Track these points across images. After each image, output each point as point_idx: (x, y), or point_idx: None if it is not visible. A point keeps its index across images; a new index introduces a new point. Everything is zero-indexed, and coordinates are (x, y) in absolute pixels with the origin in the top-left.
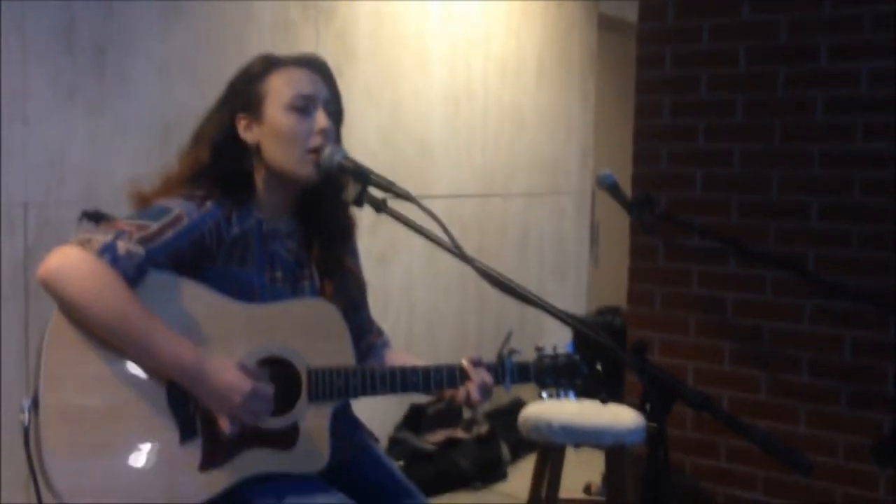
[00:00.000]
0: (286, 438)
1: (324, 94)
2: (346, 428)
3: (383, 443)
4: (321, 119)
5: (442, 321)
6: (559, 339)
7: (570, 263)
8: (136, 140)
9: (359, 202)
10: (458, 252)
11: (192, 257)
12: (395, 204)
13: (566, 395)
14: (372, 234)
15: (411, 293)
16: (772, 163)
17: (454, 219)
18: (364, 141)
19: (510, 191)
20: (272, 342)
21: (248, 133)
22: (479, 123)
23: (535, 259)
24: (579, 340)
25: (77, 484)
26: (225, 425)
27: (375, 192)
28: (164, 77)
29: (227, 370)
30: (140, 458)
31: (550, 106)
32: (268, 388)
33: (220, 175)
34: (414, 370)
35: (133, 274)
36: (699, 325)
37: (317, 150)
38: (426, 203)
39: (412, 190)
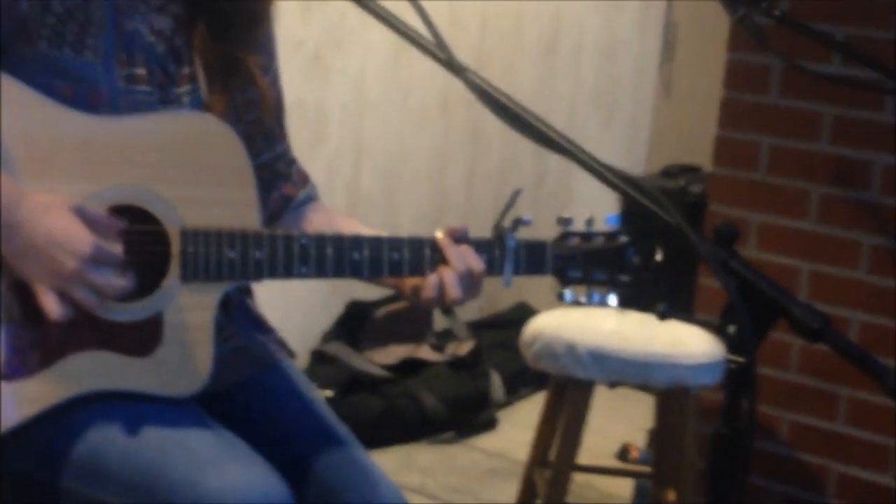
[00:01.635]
0: (144, 338)
1: None
2: (242, 330)
3: (301, 358)
4: None
5: (408, 169)
6: (597, 210)
7: (625, 90)
8: None
9: None
10: (442, 56)
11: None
12: None
13: (601, 299)
14: (302, 19)
15: (362, 120)
16: None
17: (442, 8)
18: None
19: None
20: (127, 181)
21: None
22: None
23: (567, 79)
24: (629, 213)
25: None
26: (49, 305)
27: None
28: None
29: (57, 213)
30: None
31: None
32: (119, 251)
33: None
34: (357, 241)
35: None
36: (826, 202)
37: None
38: None
39: None
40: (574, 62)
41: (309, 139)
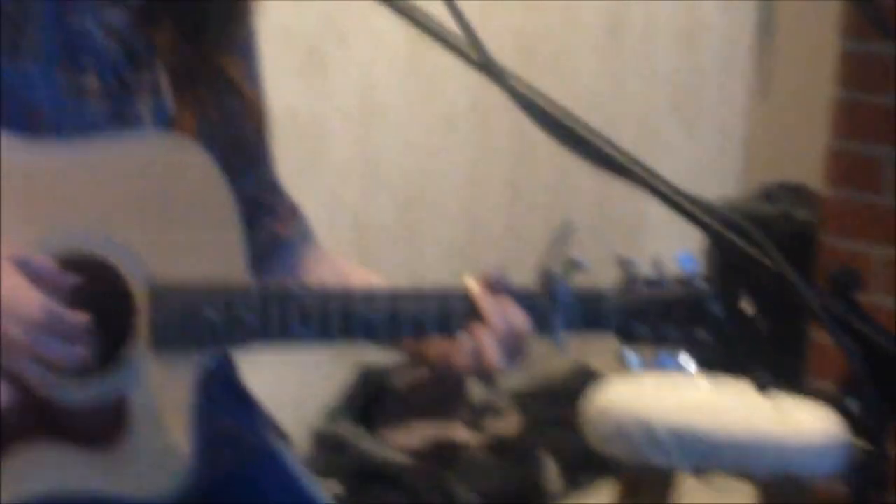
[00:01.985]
0: (105, 426)
1: None
2: (225, 411)
3: (300, 443)
4: None
5: (433, 194)
6: (675, 244)
7: (711, 87)
8: None
9: None
10: (475, 56)
11: None
12: None
13: (676, 363)
14: (293, 5)
15: (371, 131)
16: None
17: None
18: None
19: None
20: (78, 224)
21: None
22: None
23: (636, 72)
24: (713, 251)
25: None
26: None
27: None
28: None
29: None
30: None
31: None
32: (75, 315)
33: None
34: (369, 295)
35: None
36: None
37: None
38: None
39: None
40: (644, 49)
41: (303, 157)
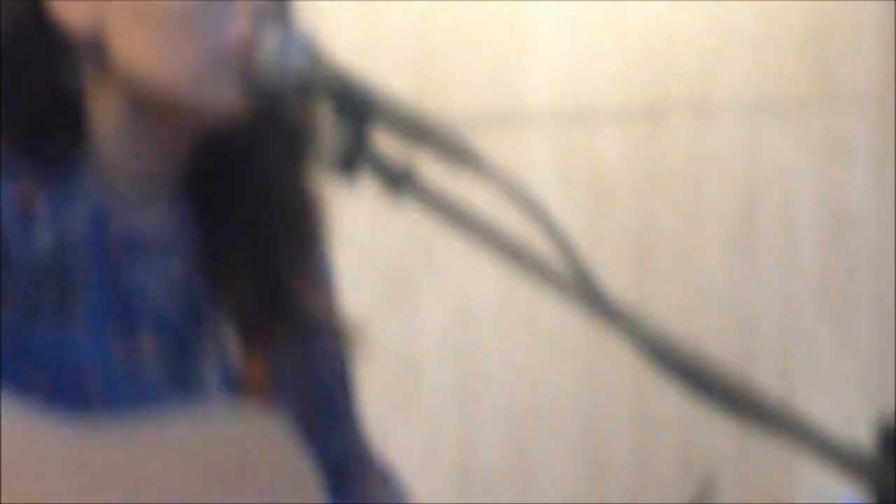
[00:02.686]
0: None
1: None
2: None
3: None
4: None
5: (546, 426)
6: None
7: (863, 286)
8: None
9: (347, 166)
10: (581, 289)
11: None
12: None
13: None
14: (374, 221)
15: (470, 358)
16: None
17: (574, 171)
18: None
19: (710, 101)
20: None
21: (71, 4)
22: None
23: (774, 266)
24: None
25: None
26: None
27: (386, 141)
28: None
29: None
30: None
31: None
32: None
33: (5, 102)
34: None
35: None
36: None
37: (245, 47)
38: (512, 135)
39: (478, 107)
40: (782, 241)
41: (392, 397)
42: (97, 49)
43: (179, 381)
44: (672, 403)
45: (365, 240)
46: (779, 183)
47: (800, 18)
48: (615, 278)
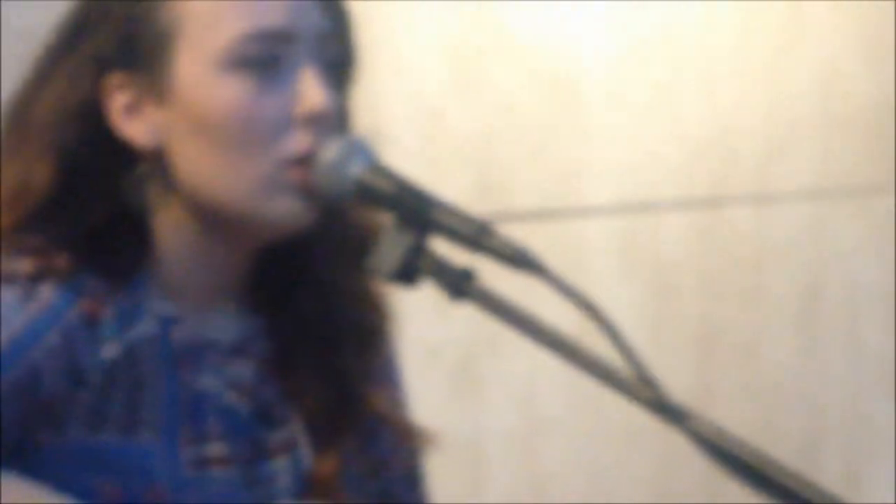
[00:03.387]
0: None
1: (314, 23)
2: None
3: None
4: (312, 86)
5: None
6: None
7: None
8: None
9: (406, 275)
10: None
11: (13, 425)
12: (495, 274)
13: None
14: (439, 316)
15: (537, 449)
16: None
17: (637, 264)
18: (416, 119)
19: (771, 188)
20: None
21: (134, 121)
22: (695, 42)
23: (840, 350)
24: None
25: None
26: None
27: (445, 249)
28: None
29: None
30: None
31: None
32: None
33: (72, 219)
34: None
35: None
36: None
37: (304, 160)
38: (576, 229)
39: (541, 202)
40: (847, 320)
41: (460, 490)
42: (160, 166)
43: (250, 483)
44: (743, 495)
45: (431, 334)
46: (842, 269)
47: (860, 104)
48: (680, 368)
